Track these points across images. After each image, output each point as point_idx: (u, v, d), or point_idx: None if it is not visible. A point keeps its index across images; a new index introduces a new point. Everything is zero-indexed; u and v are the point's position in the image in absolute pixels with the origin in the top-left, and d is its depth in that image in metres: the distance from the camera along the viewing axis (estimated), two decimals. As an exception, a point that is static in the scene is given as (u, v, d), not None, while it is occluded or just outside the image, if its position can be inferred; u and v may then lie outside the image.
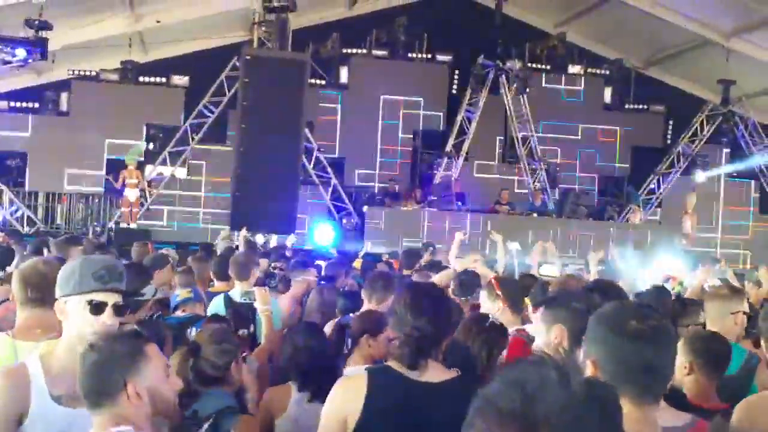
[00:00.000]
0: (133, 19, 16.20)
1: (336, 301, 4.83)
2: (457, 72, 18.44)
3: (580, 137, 19.09)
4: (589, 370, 1.91)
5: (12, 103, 16.60)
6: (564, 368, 1.08)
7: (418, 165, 18.34)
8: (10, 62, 13.33)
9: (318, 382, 3.23)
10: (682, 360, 2.97)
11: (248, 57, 14.89)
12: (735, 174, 19.47)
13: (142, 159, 16.29)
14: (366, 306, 4.26)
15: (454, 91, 18.48)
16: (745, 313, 3.74)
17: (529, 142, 18.17)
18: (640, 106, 19.37)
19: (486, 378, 3.12)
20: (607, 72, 19.24)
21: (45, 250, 6.11)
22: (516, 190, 18.13)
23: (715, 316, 3.70)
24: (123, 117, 16.27)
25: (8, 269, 5.10)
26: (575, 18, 19.16)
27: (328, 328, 4.14)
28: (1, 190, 16.14)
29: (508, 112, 18.09)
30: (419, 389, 2.46)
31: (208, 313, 4.62)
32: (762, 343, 3.49)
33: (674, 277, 8.01)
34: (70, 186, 16.45)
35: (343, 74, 17.89)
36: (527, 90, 17.66)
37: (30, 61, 13.49)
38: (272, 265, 6.81)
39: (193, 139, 16.08)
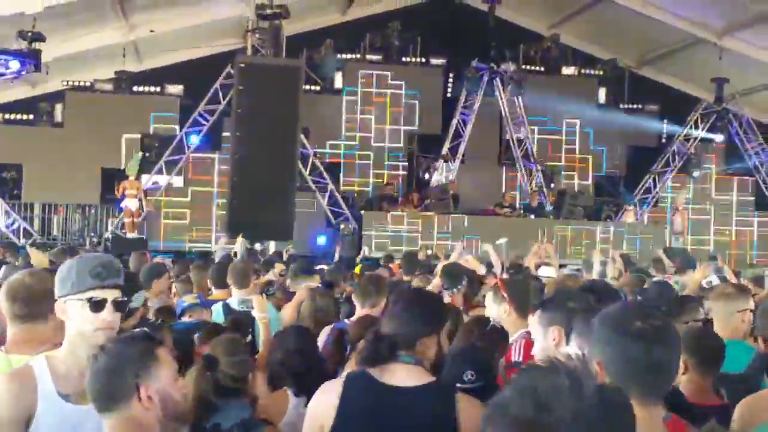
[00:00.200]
0: (126, 29, 16.18)
1: (329, 307, 4.79)
2: (451, 75, 18.46)
3: (575, 138, 19.11)
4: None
5: (6, 116, 16.58)
6: (576, 375, 1.06)
7: (415, 169, 18.34)
8: (3, 74, 13.31)
9: (312, 386, 3.22)
10: (676, 359, 2.95)
11: (242, 64, 14.90)
12: (730, 171, 19.52)
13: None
14: (359, 311, 4.23)
15: (449, 95, 18.50)
16: (751, 310, 3.73)
17: (525, 144, 18.19)
18: (635, 106, 19.41)
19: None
20: (601, 72, 19.29)
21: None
22: (512, 192, 18.17)
23: (722, 315, 3.68)
24: (118, 127, 16.24)
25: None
26: (568, 19, 19.20)
27: (323, 335, 4.11)
28: (-3, 203, 16.11)
29: (503, 114, 18.12)
30: (390, 394, 2.45)
31: (206, 322, 4.60)
32: (760, 342, 3.49)
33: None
34: (66, 197, 16.41)
35: (338, 79, 17.90)
36: (522, 91, 17.70)
37: (24, 72, 13.47)
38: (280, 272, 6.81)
39: (188, 147, 16.07)
